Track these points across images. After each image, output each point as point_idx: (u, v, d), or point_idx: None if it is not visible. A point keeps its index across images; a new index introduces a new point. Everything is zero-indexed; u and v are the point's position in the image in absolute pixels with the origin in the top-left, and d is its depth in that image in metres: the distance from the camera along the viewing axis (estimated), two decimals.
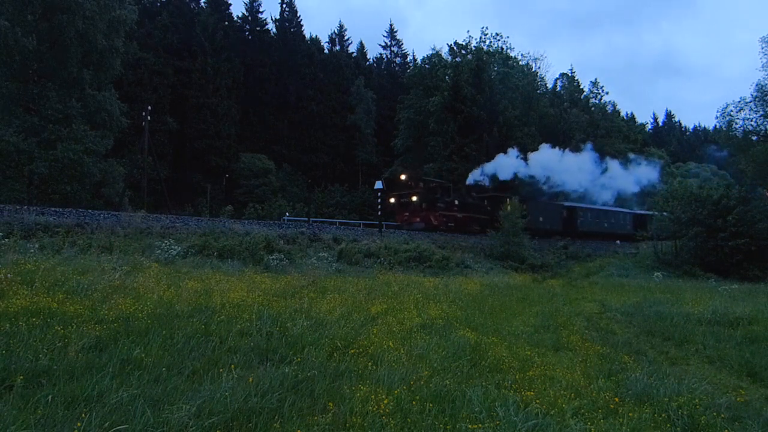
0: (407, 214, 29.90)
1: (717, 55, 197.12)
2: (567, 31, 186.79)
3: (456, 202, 31.43)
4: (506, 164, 35.54)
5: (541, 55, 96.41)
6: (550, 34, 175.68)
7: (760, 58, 26.71)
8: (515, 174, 36.12)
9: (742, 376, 6.45)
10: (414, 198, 29.23)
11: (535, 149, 38.58)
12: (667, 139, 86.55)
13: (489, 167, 35.71)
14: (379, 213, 27.46)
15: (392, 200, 31.27)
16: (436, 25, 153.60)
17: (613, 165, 43.24)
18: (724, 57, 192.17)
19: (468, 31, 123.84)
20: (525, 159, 36.80)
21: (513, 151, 36.62)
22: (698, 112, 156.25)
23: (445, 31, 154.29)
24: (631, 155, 49.86)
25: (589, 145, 42.23)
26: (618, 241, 39.41)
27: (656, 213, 43.61)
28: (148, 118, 29.11)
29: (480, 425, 3.86)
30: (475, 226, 31.64)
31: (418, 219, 29.19)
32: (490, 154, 38.15)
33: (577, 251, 31.54)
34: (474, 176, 35.88)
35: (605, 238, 39.09)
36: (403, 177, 31.85)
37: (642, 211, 44.22)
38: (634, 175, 44.17)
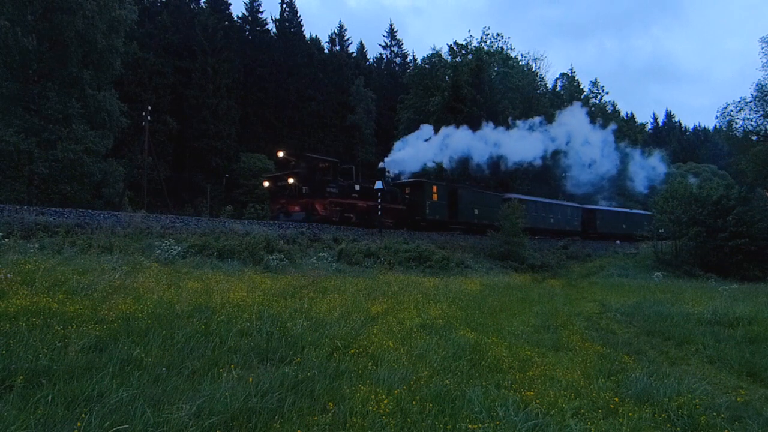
0: (283, 201, 22.63)
1: (707, 61, 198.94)
2: (560, 38, 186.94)
3: (357, 188, 24.46)
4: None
5: (541, 56, 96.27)
6: (545, 41, 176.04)
7: (760, 58, 26.79)
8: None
9: (742, 376, 6.45)
10: (291, 180, 21.64)
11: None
12: (668, 139, 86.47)
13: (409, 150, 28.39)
14: (379, 213, 24.91)
15: (266, 184, 23.65)
16: (434, 32, 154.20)
17: (634, 153, 41.98)
18: (714, 62, 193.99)
19: (469, 31, 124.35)
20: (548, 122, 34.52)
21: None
22: (691, 116, 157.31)
23: (443, 37, 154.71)
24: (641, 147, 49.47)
25: (612, 126, 40.82)
26: (618, 241, 39.16)
27: (605, 208, 43.30)
28: (148, 118, 29.11)
29: (480, 425, 3.86)
30: (387, 219, 25.36)
31: (297, 208, 22.07)
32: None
33: (577, 251, 31.60)
34: (396, 156, 28.67)
35: (551, 235, 34.88)
36: (281, 154, 24.17)
37: (591, 206, 41.87)
38: (646, 168, 43.42)
